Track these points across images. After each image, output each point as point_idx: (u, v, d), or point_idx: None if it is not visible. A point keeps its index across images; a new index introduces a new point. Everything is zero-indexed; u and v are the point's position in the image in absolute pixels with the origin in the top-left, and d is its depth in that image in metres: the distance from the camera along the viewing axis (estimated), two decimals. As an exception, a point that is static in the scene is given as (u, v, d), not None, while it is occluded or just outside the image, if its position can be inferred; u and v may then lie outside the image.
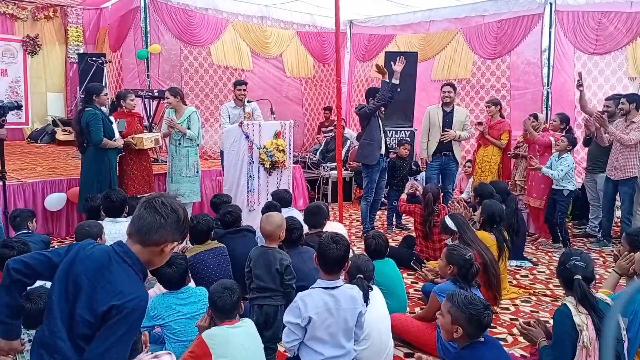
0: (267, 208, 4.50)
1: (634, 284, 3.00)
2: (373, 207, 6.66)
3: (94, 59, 8.39)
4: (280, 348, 3.39)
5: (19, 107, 4.91)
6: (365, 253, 3.77)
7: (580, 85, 6.48)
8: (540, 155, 6.27)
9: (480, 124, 7.15)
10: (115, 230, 3.99)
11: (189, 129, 6.02)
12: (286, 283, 3.25)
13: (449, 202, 6.46)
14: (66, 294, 1.82)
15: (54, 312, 1.81)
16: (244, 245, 3.92)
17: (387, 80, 6.09)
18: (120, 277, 1.82)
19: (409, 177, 7.09)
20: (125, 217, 4.32)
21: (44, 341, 1.83)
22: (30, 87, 10.26)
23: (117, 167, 5.73)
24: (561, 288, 2.96)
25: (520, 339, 3.69)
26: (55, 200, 5.81)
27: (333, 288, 2.65)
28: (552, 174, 5.82)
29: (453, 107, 6.78)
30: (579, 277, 2.73)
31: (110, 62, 9.23)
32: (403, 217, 7.08)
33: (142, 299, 1.85)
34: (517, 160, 6.98)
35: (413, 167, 7.13)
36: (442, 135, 6.67)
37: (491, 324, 2.62)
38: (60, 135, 9.42)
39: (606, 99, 6.54)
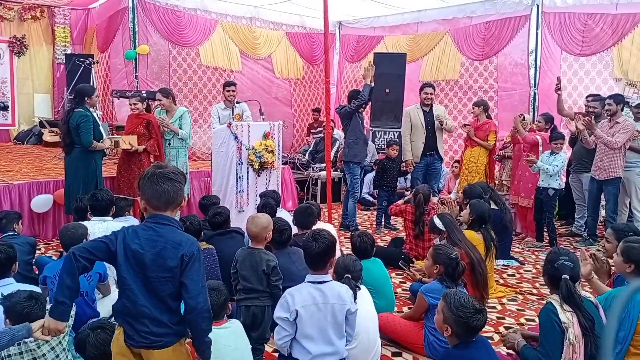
0: (263, 207, 4.51)
1: (633, 285, 3.05)
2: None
3: (82, 59, 8.36)
4: (268, 348, 3.40)
5: (4, 108, 4.87)
6: (353, 254, 3.78)
7: (558, 89, 6.59)
8: (526, 153, 6.33)
9: (465, 125, 7.21)
10: (104, 228, 3.97)
11: (180, 128, 6.01)
12: (273, 284, 3.25)
13: (437, 200, 6.51)
14: (134, 271, 2.13)
15: (132, 288, 2.12)
16: (232, 246, 3.91)
17: (370, 84, 6.39)
18: (171, 235, 2.16)
19: (398, 178, 7.13)
20: (112, 216, 4.31)
21: (127, 311, 2.14)
22: (16, 88, 10.19)
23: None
24: (547, 287, 3.00)
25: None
26: (41, 202, 5.76)
27: (321, 282, 2.68)
28: (547, 168, 5.86)
29: (431, 106, 6.89)
30: (567, 277, 2.77)
31: (98, 62, 9.18)
32: (392, 218, 7.11)
33: (195, 241, 2.23)
34: (504, 161, 7.04)
35: (403, 167, 7.16)
36: (437, 118, 6.78)
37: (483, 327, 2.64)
38: (47, 137, 9.35)
39: (591, 100, 6.56)
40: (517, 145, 6.62)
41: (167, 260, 2.12)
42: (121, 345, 2.17)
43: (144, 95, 7.72)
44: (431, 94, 6.82)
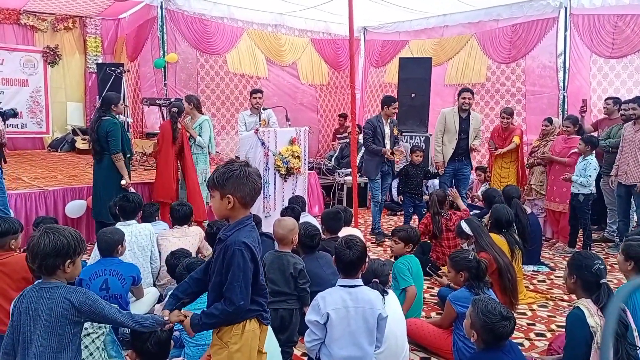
0: (286, 210, 4.57)
1: (631, 283, 2.99)
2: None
3: (113, 68, 8.55)
4: (296, 351, 3.42)
5: (15, 115, 5.05)
6: (380, 258, 3.80)
7: (583, 111, 6.69)
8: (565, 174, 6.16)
9: (495, 149, 7.15)
10: (128, 232, 4.04)
11: (199, 136, 6.11)
12: (300, 287, 3.29)
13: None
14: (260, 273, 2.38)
15: (263, 290, 2.40)
16: (262, 250, 3.95)
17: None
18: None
19: (423, 183, 7.08)
20: (144, 221, 4.40)
21: (266, 303, 2.40)
22: (50, 96, 10.47)
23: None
24: (571, 292, 2.96)
25: (538, 343, 3.70)
26: (75, 208, 5.91)
27: (352, 287, 2.70)
28: (581, 182, 5.73)
29: (469, 112, 6.77)
30: (605, 280, 2.74)
31: (128, 71, 9.39)
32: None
33: None
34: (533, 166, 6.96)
35: (431, 169, 7.10)
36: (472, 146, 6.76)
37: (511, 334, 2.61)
38: (80, 144, 9.59)
39: (629, 101, 6.28)
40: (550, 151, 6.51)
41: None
42: (258, 333, 2.34)
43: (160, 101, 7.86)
44: (469, 98, 6.66)
